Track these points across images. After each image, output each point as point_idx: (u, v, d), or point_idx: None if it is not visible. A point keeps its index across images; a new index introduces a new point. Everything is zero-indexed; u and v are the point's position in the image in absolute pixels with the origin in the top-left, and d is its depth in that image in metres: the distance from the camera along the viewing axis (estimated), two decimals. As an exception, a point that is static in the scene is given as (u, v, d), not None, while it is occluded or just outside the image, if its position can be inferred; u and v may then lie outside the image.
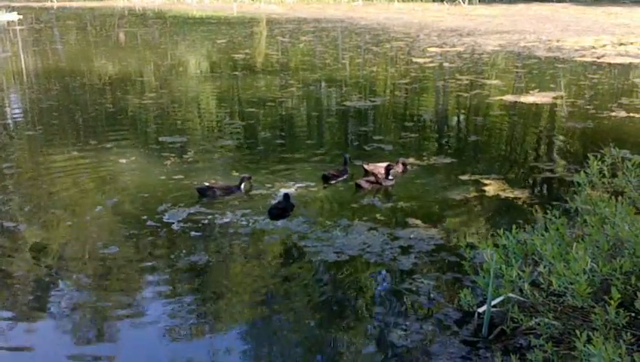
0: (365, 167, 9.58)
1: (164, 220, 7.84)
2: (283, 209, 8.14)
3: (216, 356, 5.17)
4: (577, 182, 6.21)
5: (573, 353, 4.67)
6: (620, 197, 5.80)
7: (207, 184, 8.82)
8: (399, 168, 9.71)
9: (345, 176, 9.52)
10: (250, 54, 24.47)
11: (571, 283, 4.89)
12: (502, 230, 5.64)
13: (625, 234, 5.30)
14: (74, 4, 54.23)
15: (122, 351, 5.27)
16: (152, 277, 6.49)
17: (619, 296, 4.55)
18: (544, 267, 5.28)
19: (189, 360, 5.10)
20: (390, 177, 9.26)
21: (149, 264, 6.74)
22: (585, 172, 6.26)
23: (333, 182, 9.34)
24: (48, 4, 55.07)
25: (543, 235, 5.63)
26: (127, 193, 8.86)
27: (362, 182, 9.16)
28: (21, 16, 42.56)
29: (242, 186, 8.91)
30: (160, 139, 11.76)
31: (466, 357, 5.07)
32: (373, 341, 5.38)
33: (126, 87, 17.75)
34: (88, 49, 27.48)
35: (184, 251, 7.00)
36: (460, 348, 5.20)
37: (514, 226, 5.59)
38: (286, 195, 8.28)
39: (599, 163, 6.27)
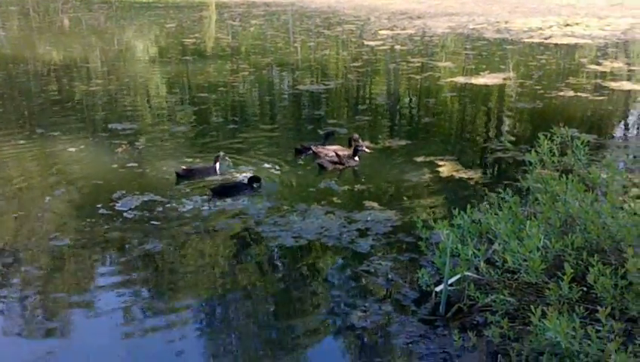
0: (313, 148, 9.58)
1: (117, 208, 7.67)
2: (227, 187, 8.20)
3: (172, 344, 5.08)
4: (528, 161, 6.32)
5: (528, 328, 4.76)
6: (569, 175, 5.93)
7: (183, 167, 8.82)
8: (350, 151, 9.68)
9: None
10: (199, 39, 24.10)
11: (525, 260, 4.98)
12: (457, 210, 5.71)
13: (575, 210, 5.42)
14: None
15: (75, 343, 5.14)
16: (105, 267, 6.35)
17: (571, 271, 4.65)
18: (499, 245, 5.38)
19: (145, 351, 5.02)
20: (356, 158, 9.29)
21: (102, 254, 6.59)
22: (536, 151, 6.37)
23: (303, 156, 9.54)
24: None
25: (496, 214, 5.72)
26: (78, 182, 8.62)
27: (325, 162, 9.15)
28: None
29: (217, 166, 8.87)
30: (110, 126, 11.48)
31: (424, 336, 5.12)
32: (333, 323, 5.38)
33: (72, 74, 17.27)
34: (32, 35, 26.63)
35: (137, 239, 6.85)
36: (419, 326, 5.25)
37: (468, 206, 5.66)
38: (252, 178, 8.36)
39: (549, 142, 6.39)
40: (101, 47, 22.51)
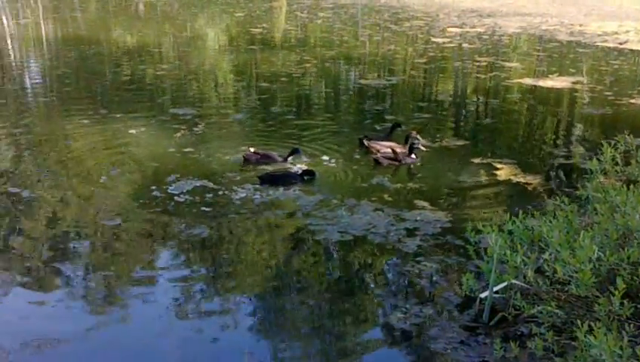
0: (366, 143, 9.48)
1: (169, 191, 7.79)
2: (275, 177, 8.25)
3: (225, 331, 5.12)
4: (589, 170, 6.07)
5: (574, 343, 4.57)
6: (632, 186, 5.66)
7: (252, 150, 9.05)
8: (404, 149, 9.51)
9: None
10: (267, 29, 24.24)
11: (576, 272, 4.77)
12: (509, 215, 5.53)
13: (635, 223, 5.16)
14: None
15: (131, 322, 5.26)
16: (151, 249, 6.46)
17: (624, 286, 4.43)
18: (549, 254, 5.17)
19: (198, 335, 5.06)
20: (413, 156, 9.15)
21: (150, 236, 6.72)
22: (597, 159, 6.12)
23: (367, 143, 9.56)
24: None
25: (550, 222, 5.51)
26: (134, 164, 8.82)
27: (380, 158, 9.06)
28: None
29: (290, 158, 8.96)
30: (171, 110, 11.67)
31: (464, 342, 4.98)
32: (372, 323, 5.31)
33: (141, 57, 17.64)
34: (107, 18, 27.38)
35: (185, 224, 6.94)
36: (459, 332, 5.11)
37: (521, 212, 5.47)
38: (305, 171, 8.39)
39: (612, 150, 6.12)
40: (172, 33, 22.96)
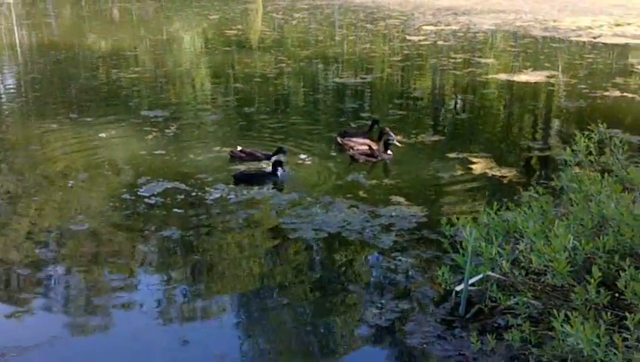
0: (339, 140, 9.39)
1: (140, 193, 7.62)
2: (249, 176, 8.17)
3: (205, 335, 4.98)
4: (564, 160, 6.02)
5: (551, 333, 4.49)
6: (606, 175, 5.61)
7: (240, 148, 9.01)
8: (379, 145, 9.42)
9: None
10: (242, 30, 24.08)
11: (551, 261, 4.70)
12: (484, 208, 5.46)
13: (610, 211, 5.10)
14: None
15: (107, 329, 5.10)
16: (120, 251, 6.30)
17: (600, 274, 4.36)
18: (525, 245, 5.09)
19: (178, 341, 4.90)
20: (389, 152, 9.07)
21: (119, 238, 6.55)
22: (572, 149, 6.07)
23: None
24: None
25: (525, 213, 5.44)
26: (103, 167, 8.64)
27: (356, 155, 8.96)
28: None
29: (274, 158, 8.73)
30: (143, 113, 11.47)
31: (440, 336, 4.88)
32: (347, 320, 5.19)
33: (114, 61, 17.39)
34: (81, 23, 27.06)
35: (155, 225, 6.80)
36: (436, 326, 5.01)
37: (496, 204, 5.39)
38: (275, 163, 8.25)
39: (586, 140, 6.07)
40: (146, 37, 22.70)
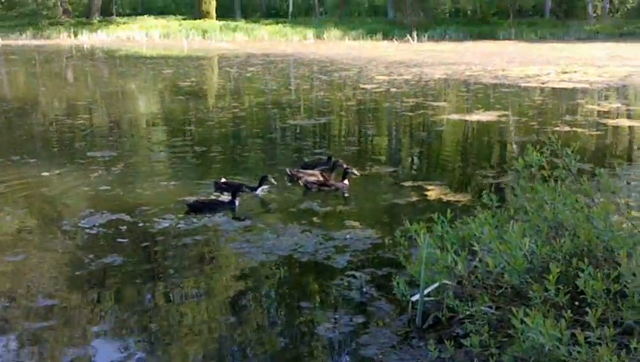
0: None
1: (81, 225, 7.24)
2: (203, 203, 7.90)
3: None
4: (516, 170, 5.94)
5: (511, 339, 4.28)
6: (560, 183, 5.55)
7: (223, 180, 8.70)
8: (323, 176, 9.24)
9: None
10: (196, 82, 24.00)
11: (508, 263, 4.54)
12: (438, 218, 5.30)
13: (565, 216, 5.01)
14: (19, 42, 53.07)
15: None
16: (58, 280, 5.88)
17: (558, 270, 4.20)
18: (480, 250, 4.91)
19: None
20: (346, 181, 8.89)
21: (56, 267, 6.14)
22: (524, 159, 6.02)
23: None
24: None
25: (479, 220, 5.29)
26: (44, 203, 8.25)
27: (309, 184, 8.78)
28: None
29: (261, 188, 8.55)
30: (89, 154, 11.09)
31: (397, 347, 4.60)
32: (298, 335, 4.87)
33: (61, 110, 17.06)
34: (32, 80, 26.59)
35: (95, 254, 6.40)
36: (392, 337, 4.73)
37: (449, 212, 5.24)
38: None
39: (537, 153, 6.04)
40: (97, 90, 22.39)
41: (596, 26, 55.73)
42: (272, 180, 8.52)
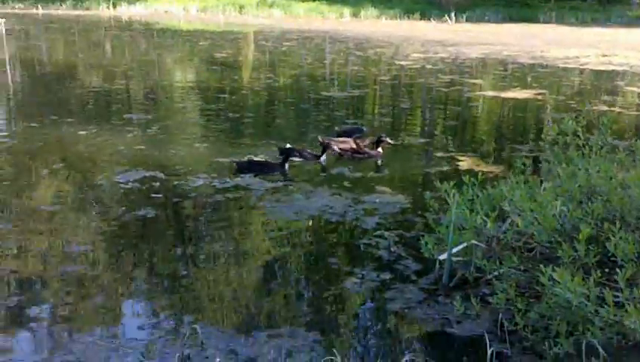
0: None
1: (116, 180, 7.39)
2: (254, 163, 7.98)
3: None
4: (551, 140, 5.90)
5: (538, 301, 4.27)
6: (594, 152, 5.50)
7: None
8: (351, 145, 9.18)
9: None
10: (231, 54, 24.10)
11: (538, 222, 4.51)
12: (469, 179, 5.28)
13: (598, 181, 4.94)
14: (59, 12, 53.75)
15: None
16: (93, 230, 6.03)
17: (588, 231, 4.16)
18: (511, 210, 4.89)
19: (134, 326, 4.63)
20: (380, 149, 8.89)
21: (92, 218, 6.29)
22: (559, 127, 5.97)
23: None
24: (33, 11, 54.63)
25: (511, 184, 5.27)
26: (80, 159, 8.44)
27: (342, 151, 8.81)
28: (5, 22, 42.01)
29: (324, 156, 8.56)
30: (125, 116, 11.29)
31: (422, 302, 4.63)
32: (325, 289, 4.92)
33: (100, 75, 17.28)
34: (70, 47, 26.97)
35: (130, 206, 6.55)
36: (417, 294, 4.76)
37: (480, 175, 5.21)
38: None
39: (573, 121, 5.98)
40: (134, 58, 22.63)
41: (639, 11, 54.26)
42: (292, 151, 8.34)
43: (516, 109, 13.45)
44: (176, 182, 7.40)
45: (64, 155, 8.55)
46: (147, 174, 7.64)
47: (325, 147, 8.56)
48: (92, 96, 13.79)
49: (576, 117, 6.10)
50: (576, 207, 4.67)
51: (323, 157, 8.52)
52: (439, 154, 9.09)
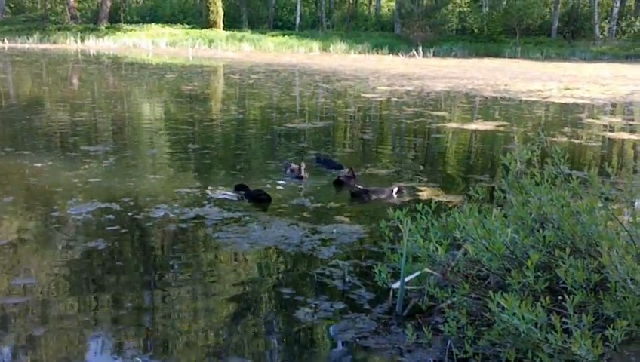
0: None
1: (69, 212, 7.22)
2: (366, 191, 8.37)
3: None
4: (503, 165, 5.94)
5: (489, 327, 4.23)
6: (547, 181, 5.53)
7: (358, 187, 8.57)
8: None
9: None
10: (198, 86, 24.07)
11: (487, 248, 4.50)
12: (422, 208, 5.27)
13: (550, 209, 4.97)
14: (26, 46, 53.41)
15: None
16: (42, 260, 5.85)
17: (537, 257, 4.16)
18: (463, 238, 4.87)
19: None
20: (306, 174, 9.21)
21: (40, 249, 6.11)
22: (512, 155, 6.01)
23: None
24: None
25: (464, 212, 5.26)
26: (32, 191, 8.23)
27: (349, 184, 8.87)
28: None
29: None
30: (82, 147, 11.09)
31: (375, 332, 4.55)
32: (276, 320, 4.82)
33: (61, 108, 17.06)
34: (35, 79, 26.69)
35: (81, 237, 6.40)
36: (370, 323, 4.68)
37: (433, 204, 5.20)
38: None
39: (528, 151, 6.04)
40: (98, 91, 22.47)
41: (603, 47, 55.84)
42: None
43: (478, 140, 13.59)
44: (129, 213, 7.25)
45: (16, 187, 8.35)
46: (102, 206, 7.49)
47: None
48: (53, 128, 13.56)
49: (531, 146, 6.16)
50: (527, 234, 4.67)
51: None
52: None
